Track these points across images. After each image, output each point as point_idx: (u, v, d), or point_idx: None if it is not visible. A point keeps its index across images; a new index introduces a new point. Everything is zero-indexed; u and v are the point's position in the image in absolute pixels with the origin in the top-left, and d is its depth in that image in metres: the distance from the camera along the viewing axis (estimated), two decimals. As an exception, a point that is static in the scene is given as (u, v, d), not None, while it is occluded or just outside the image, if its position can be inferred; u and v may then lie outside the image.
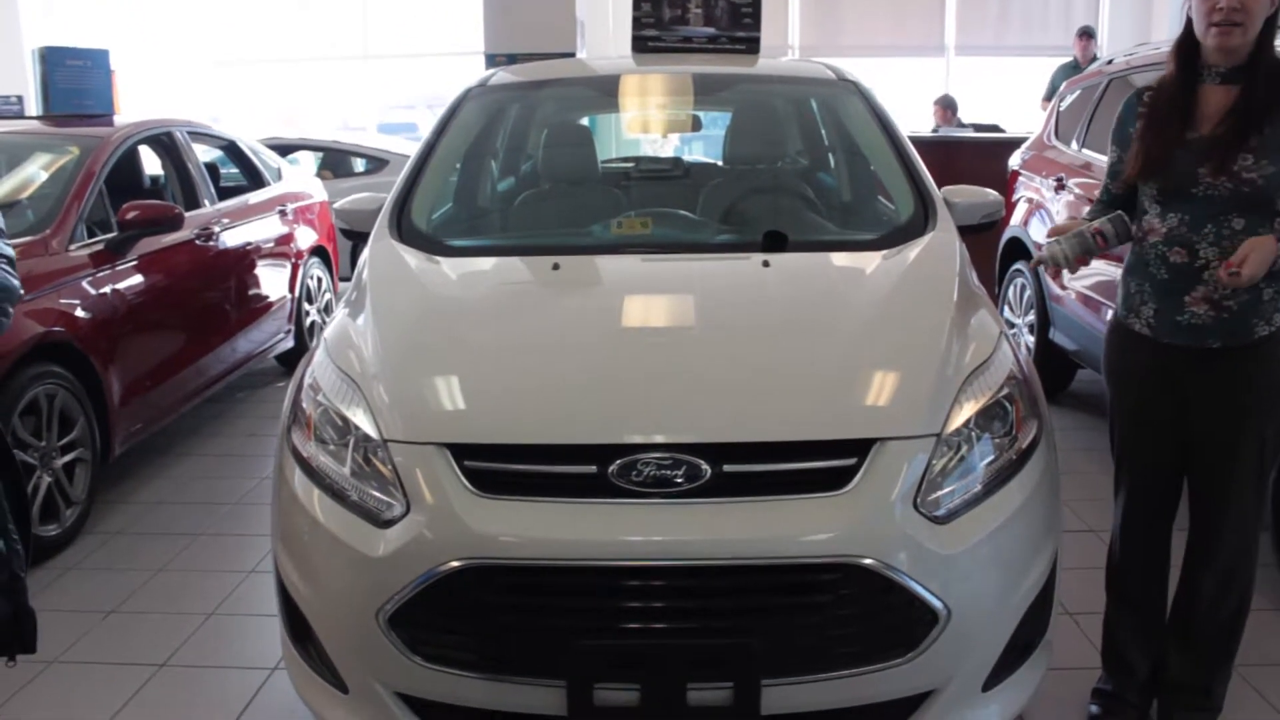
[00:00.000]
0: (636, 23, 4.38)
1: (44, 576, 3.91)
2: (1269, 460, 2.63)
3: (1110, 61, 5.74)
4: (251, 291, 5.89)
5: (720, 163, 4.27)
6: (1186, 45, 2.56)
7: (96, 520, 4.39)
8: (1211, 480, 2.64)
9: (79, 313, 4.31)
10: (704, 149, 6.61)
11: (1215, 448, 2.61)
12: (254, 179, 6.50)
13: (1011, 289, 6.08)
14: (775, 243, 3.04)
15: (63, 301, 4.25)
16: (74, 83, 5.89)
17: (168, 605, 3.70)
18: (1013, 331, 5.47)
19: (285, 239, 6.38)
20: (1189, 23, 2.54)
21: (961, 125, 9.77)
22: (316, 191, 7.11)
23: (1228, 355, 2.54)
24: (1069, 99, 6.00)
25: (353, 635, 2.30)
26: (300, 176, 7.36)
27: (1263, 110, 2.45)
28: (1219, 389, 2.57)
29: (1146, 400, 2.69)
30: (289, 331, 6.41)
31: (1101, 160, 4.90)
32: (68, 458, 4.19)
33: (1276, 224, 2.44)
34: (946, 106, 10.28)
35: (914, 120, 10.08)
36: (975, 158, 7.52)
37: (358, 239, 3.38)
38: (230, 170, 6.72)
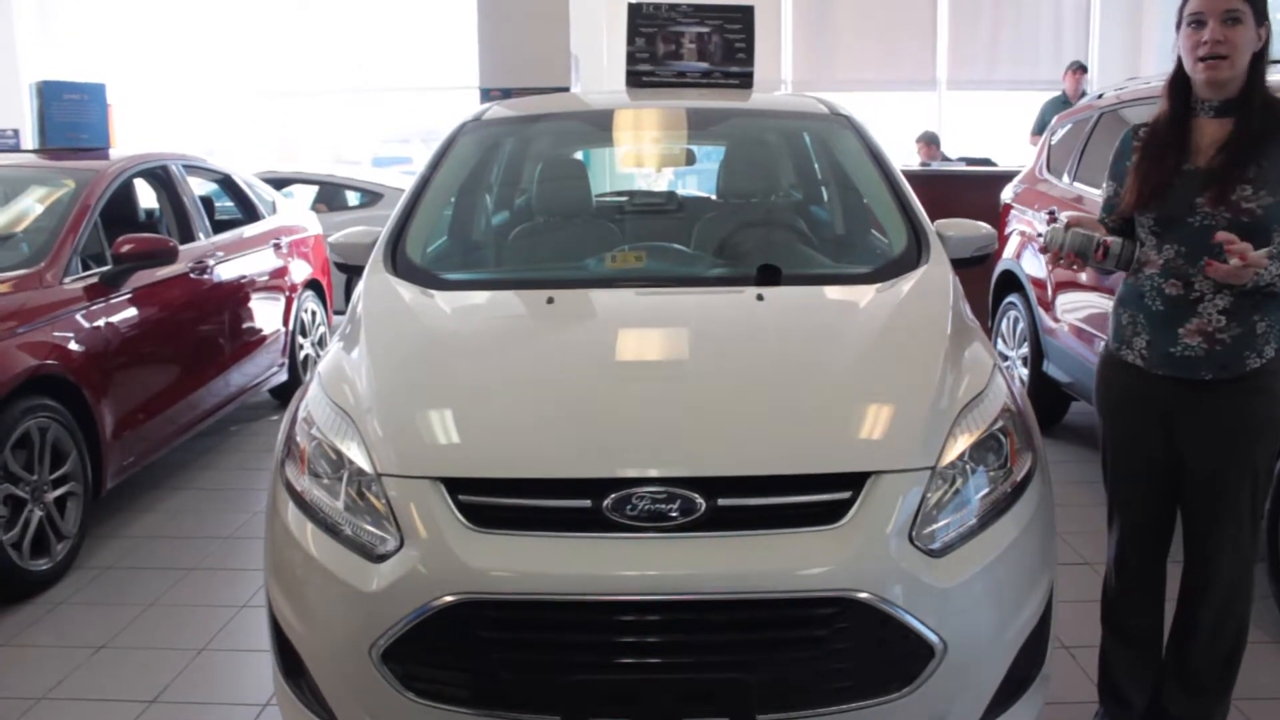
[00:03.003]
0: (631, 58, 4.41)
1: (34, 611, 3.88)
2: (1261, 492, 2.63)
3: (1101, 96, 5.79)
4: (245, 325, 5.89)
5: (714, 197, 4.29)
6: (1179, 81, 2.59)
7: (87, 555, 4.36)
8: (1203, 512, 2.64)
9: (72, 346, 4.30)
10: (698, 183, 6.64)
11: (1206, 479, 2.61)
12: (248, 212, 6.52)
13: (1005, 322, 6.09)
14: (769, 276, 3.05)
15: (56, 334, 4.24)
16: (71, 116, 5.91)
17: (158, 641, 3.67)
18: (1006, 364, 5.49)
19: (279, 272, 6.39)
20: (1180, 60, 2.57)
21: (946, 159, 9.80)
22: (311, 225, 7.12)
23: (1219, 387, 2.54)
24: (1060, 133, 6.04)
25: (345, 671, 2.28)
26: (295, 210, 7.38)
27: (1259, 141, 2.47)
28: (1209, 420, 2.57)
29: (1138, 432, 2.69)
30: (282, 365, 6.40)
31: (1093, 193, 4.94)
32: (59, 491, 4.16)
33: (1275, 241, 2.43)
34: (930, 142, 10.33)
35: (907, 154, 10.13)
36: (967, 191, 7.55)
37: (352, 272, 3.38)
38: (225, 204, 6.74)
